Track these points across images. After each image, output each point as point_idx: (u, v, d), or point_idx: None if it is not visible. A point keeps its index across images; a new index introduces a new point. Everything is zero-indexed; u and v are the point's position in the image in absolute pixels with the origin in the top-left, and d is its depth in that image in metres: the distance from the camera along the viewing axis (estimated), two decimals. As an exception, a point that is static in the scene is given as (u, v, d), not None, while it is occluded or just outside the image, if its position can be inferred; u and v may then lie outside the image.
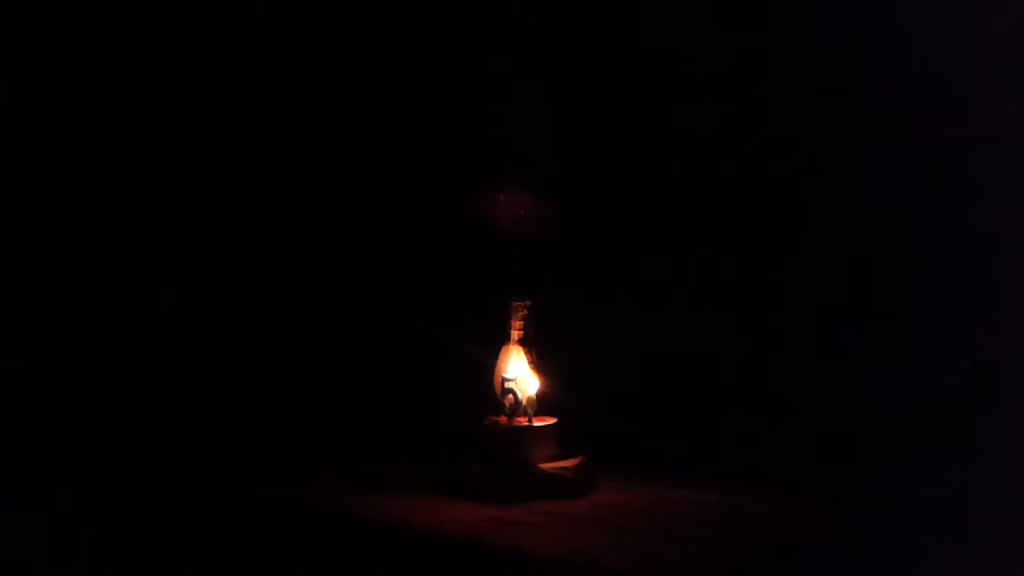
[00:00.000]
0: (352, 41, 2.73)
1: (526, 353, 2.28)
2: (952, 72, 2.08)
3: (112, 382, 2.54)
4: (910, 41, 2.12)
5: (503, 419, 2.25)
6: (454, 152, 2.68)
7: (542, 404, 2.26)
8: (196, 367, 2.64)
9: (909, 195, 2.16)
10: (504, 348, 2.30)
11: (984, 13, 2.02)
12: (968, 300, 2.09)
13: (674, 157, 2.45)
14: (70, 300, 2.52)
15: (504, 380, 2.27)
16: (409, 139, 2.73)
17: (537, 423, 2.23)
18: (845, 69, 2.20)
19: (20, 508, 2.24)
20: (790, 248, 2.32)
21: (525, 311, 2.30)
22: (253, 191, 2.72)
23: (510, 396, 2.25)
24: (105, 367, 2.55)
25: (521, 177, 2.49)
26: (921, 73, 2.12)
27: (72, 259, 2.51)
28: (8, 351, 2.42)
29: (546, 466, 2.19)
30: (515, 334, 2.30)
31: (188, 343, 2.65)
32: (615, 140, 2.53)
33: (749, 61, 2.31)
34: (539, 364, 2.28)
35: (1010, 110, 2.02)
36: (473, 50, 2.65)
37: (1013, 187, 2.04)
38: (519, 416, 2.25)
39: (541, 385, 2.27)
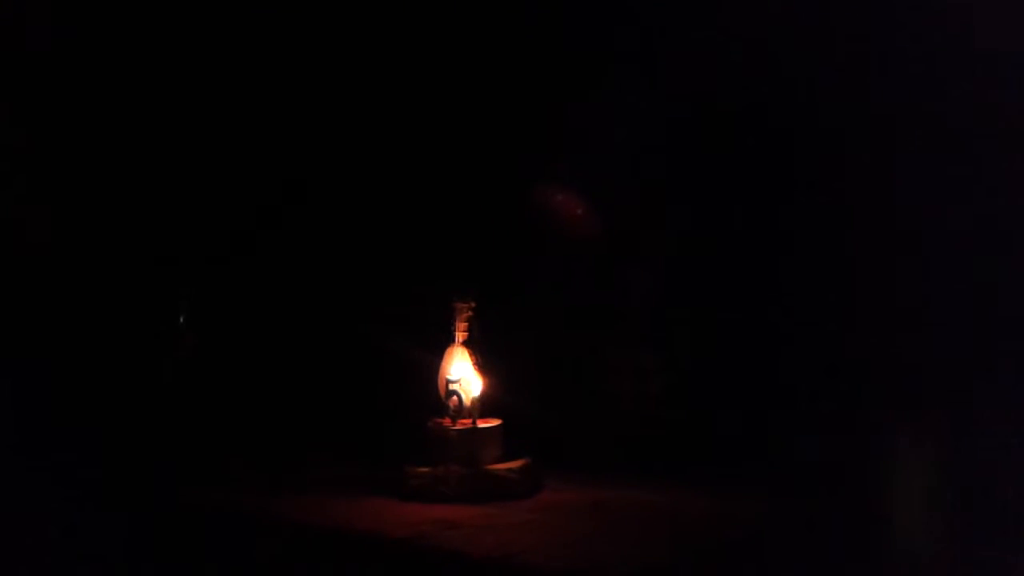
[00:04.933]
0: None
1: (471, 355, 2.28)
2: (952, 71, 2.10)
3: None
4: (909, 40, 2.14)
5: (447, 421, 2.24)
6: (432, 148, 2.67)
7: (487, 405, 2.26)
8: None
9: (908, 195, 2.17)
10: (448, 349, 2.29)
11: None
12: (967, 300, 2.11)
13: (659, 157, 2.44)
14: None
15: (448, 382, 2.26)
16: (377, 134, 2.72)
17: (482, 424, 2.23)
18: (844, 69, 2.21)
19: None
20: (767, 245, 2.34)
21: (470, 312, 2.29)
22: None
23: (454, 398, 2.24)
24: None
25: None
26: (920, 72, 2.13)
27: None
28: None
29: (491, 467, 2.18)
30: (459, 335, 2.29)
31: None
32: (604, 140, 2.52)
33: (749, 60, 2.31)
34: (483, 365, 2.27)
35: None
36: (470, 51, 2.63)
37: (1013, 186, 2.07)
38: (463, 418, 2.24)
39: (485, 386, 2.27)
